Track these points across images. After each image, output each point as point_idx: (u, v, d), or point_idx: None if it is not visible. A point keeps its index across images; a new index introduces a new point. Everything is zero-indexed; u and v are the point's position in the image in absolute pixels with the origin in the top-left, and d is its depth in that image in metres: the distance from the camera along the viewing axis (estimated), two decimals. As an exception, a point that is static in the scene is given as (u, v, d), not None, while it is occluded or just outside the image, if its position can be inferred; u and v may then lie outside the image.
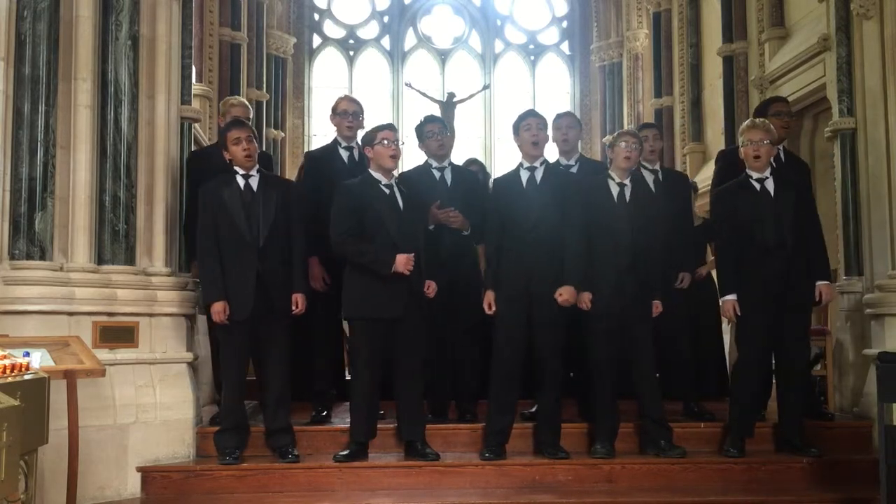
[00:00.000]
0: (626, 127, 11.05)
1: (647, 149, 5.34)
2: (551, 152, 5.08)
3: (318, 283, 5.04)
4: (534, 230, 4.58)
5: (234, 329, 4.49)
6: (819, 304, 4.76)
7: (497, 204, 4.75)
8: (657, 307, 4.70)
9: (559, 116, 5.38)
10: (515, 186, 4.72)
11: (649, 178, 5.34)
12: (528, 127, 4.73)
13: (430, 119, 5.42)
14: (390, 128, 4.71)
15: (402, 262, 4.44)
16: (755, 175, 4.71)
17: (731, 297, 4.67)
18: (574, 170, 5.24)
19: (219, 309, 4.44)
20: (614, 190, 4.74)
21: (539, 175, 4.72)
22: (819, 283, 4.65)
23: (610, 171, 4.83)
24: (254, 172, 4.61)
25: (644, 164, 5.35)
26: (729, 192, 4.84)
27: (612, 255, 4.62)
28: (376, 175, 4.64)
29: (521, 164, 4.79)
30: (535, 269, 4.57)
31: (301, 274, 4.65)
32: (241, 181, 4.58)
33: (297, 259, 4.64)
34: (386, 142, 4.60)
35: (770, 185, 4.68)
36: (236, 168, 4.59)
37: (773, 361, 4.92)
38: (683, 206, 5.41)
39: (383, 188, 4.62)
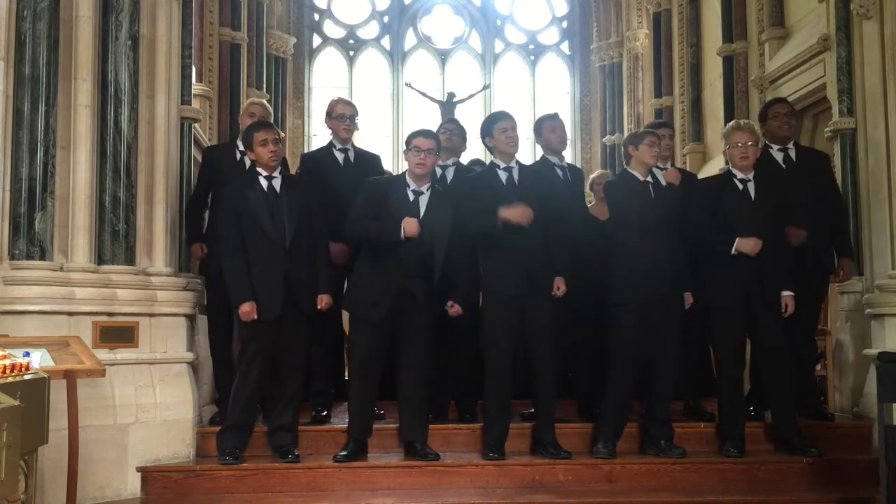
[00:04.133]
0: (626, 127, 11.08)
1: (664, 146, 5.39)
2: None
3: (343, 256, 5.00)
4: (528, 229, 4.57)
5: (261, 329, 4.48)
6: (785, 313, 4.69)
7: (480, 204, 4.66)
8: (689, 298, 4.70)
9: (555, 117, 5.34)
10: (497, 185, 4.69)
11: (659, 175, 5.39)
12: (505, 129, 4.72)
13: (448, 120, 5.56)
14: (425, 135, 4.69)
15: (411, 226, 4.43)
16: (739, 175, 4.73)
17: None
18: (564, 169, 5.23)
19: (247, 310, 4.43)
20: (639, 187, 4.74)
21: (516, 175, 4.73)
22: (783, 293, 4.65)
23: (630, 169, 4.80)
24: (276, 174, 4.63)
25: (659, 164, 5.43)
26: (709, 187, 4.88)
27: (637, 253, 4.60)
28: (408, 178, 4.65)
29: (495, 165, 4.77)
30: (530, 269, 4.57)
31: (327, 275, 4.64)
32: (264, 183, 4.59)
33: (321, 259, 4.64)
34: (416, 149, 4.60)
35: (752, 188, 4.72)
36: (259, 169, 4.61)
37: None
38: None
39: (409, 192, 4.60)
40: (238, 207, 4.53)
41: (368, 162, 5.34)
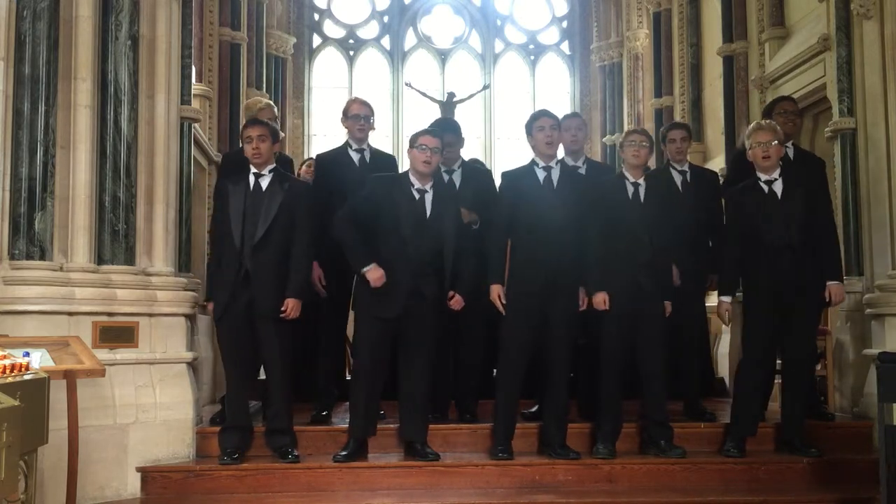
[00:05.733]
0: (626, 127, 11.07)
1: (675, 149, 5.48)
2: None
3: (315, 286, 5.00)
4: (555, 229, 4.58)
5: (224, 326, 4.53)
6: (829, 305, 4.75)
7: (511, 200, 4.72)
8: (668, 307, 4.70)
9: (567, 117, 5.39)
10: (533, 183, 4.70)
11: (677, 178, 5.41)
12: (542, 127, 4.72)
13: (443, 128, 5.54)
14: (432, 134, 4.68)
15: (375, 275, 4.42)
16: (763, 177, 4.72)
17: (727, 298, 4.68)
18: (582, 171, 5.25)
19: (210, 308, 4.64)
20: (629, 189, 4.74)
21: (555, 175, 4.72)
22: (830, 283, 4.64)
23: (624, 171, 4.81)
24: (266, 172, 4.62)
25: (673, 164, 5.46)
26: (737, 193, 4.87)
27: (627, 254, 4.62)
28: (412, 177, 4.63)
29: (534, 163, 4.76)
30: (555, 269, 4.56)
31: (298, 278, 4.56)
32: (251, 179, 4.61)
33: (296, 262, 4.56)
34: (423, 147, 4.58)
35: (778, 187, 4.69)
36: (251, 165, 4.64)
37: (778, 361, 4.94)
38: (713, 206, 5.43)
39: (413, 191, 4.59)
40: (219, 202, 4.64)
41: (384, 162, 5.31)
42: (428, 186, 4.63)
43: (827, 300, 4.67)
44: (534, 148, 4.79)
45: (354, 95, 5.65)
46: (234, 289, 4.48)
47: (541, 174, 4.72)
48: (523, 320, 4.58)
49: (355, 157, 5.26)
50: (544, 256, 4.56)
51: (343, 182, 5.03)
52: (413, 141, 4.66)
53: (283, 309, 4.48)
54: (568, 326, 4.61)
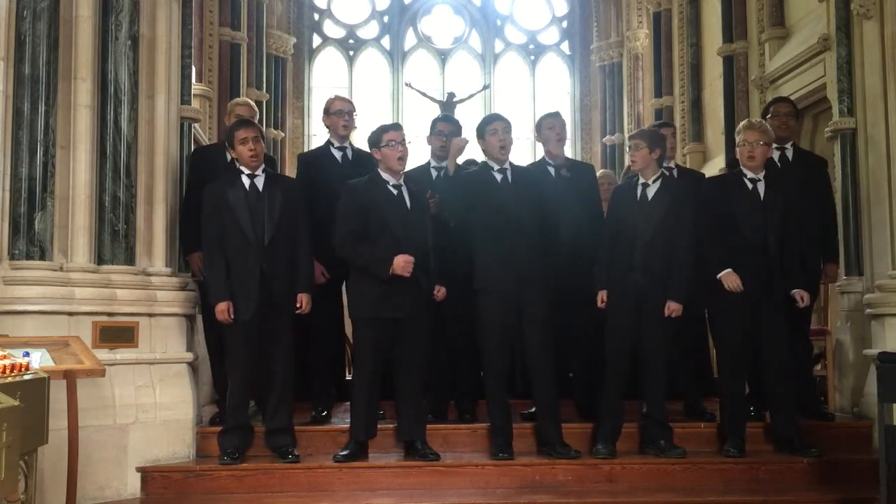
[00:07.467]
0: (626, 127, 11.08)
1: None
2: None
3: (318, 278, 5.03)
4: (521, 229, 4.59)
5: (240, 329, 4.48)
6: (801, 304, 4.68)
7: (474, 202, 4.71)
8: (670, 307, 4.61)
9: (553, 116, 5.34)
10: (491, 185, 4.71)
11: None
12: (495, 131, 4.73)
13: (443, 118, 5.56)
14: (396, 128, 4.68)
15: (401, 263, 4.40)
16: (749, 174, 4.72)
17: (728, 269, 4.61)
18: (564, 170, 5.22)
19: (222, 308, 4.43)
20: (637, 190, 4.74)
21: (510, 175, 4.73)
22: (793, 290, 4.63)
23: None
24: (259, 172, 4.61)
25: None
26: (720, 183, 4.87)
27: (621, 253, 4.63)
28: (385, 175, 4.63)
29: (489, 166, 4.78)
30: (522, 268, 4.58)
31: (306, 274, 4.64)
32: (246, 181, 4.57)
33: (302, 259, 4.62)
34: (393, 143, 4.57)
35: (761, 187, 4.69)
36: (241, 168, 4.59)
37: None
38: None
39: (391, 188, 4.59)
40: (218, 206, 4.52)
41: (366, 161, 5.32)
42: (401, 181, 4.64)
43: (799, 301, 4.64)
44: (485, 151, 4.81)
45: (335, 94, 5.64)
46: (257, 290, 4.46)
47: (497, 176, 4.73)
48: (497, 327, 4.59)
49: (338, 154, 5.26)
50: (517, 262, 4.56)
51: (327, 180, 5.03)
52: (377, 141, 4.61)
53: (298, 305, 4.53)
54: (544, 328, 4.61)
